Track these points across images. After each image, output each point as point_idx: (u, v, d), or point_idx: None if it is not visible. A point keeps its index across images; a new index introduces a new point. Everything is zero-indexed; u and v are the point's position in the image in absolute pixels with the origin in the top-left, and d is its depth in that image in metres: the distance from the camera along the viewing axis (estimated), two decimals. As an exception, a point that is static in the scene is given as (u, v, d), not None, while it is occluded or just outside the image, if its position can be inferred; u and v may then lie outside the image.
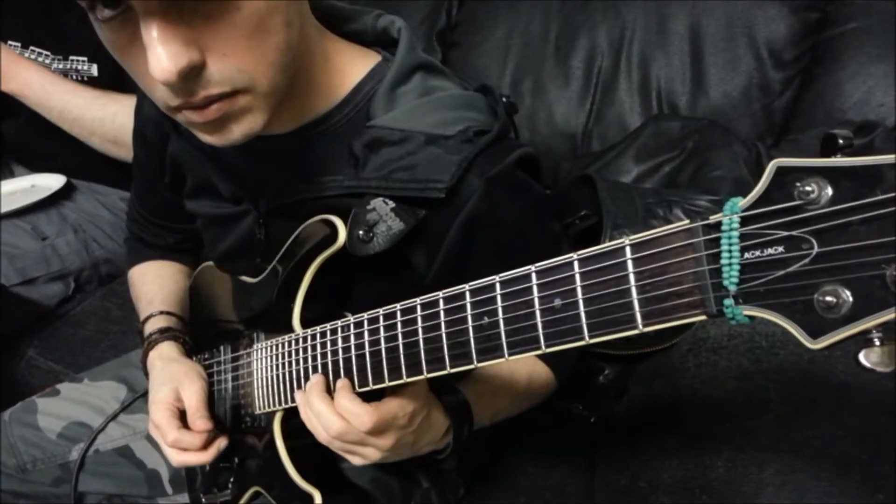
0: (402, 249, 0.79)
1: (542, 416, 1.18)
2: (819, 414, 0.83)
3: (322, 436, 0.69)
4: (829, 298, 0.36)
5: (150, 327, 0.99)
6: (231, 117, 0.65)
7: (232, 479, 0.92)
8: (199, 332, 1.03)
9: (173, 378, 0.89)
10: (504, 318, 0.52)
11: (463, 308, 0.55)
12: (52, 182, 1.56)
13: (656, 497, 0.85)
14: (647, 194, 1.10)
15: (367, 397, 0.67)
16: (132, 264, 1.12)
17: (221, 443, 0.86)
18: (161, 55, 0.56)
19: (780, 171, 0.38)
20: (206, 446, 0.85)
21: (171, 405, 0.85)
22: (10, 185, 1.59)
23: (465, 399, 0.76)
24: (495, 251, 0.76)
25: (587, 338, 0.46)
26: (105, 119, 1.38)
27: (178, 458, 0.84)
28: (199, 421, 0.84)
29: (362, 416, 0.65)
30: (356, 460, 0.71)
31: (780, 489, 0.75)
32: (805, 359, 0.90)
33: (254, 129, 0.67)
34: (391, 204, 0.75)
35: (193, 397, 0.85)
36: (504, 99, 0.84)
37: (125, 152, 1.38)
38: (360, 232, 0.75)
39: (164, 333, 0.97)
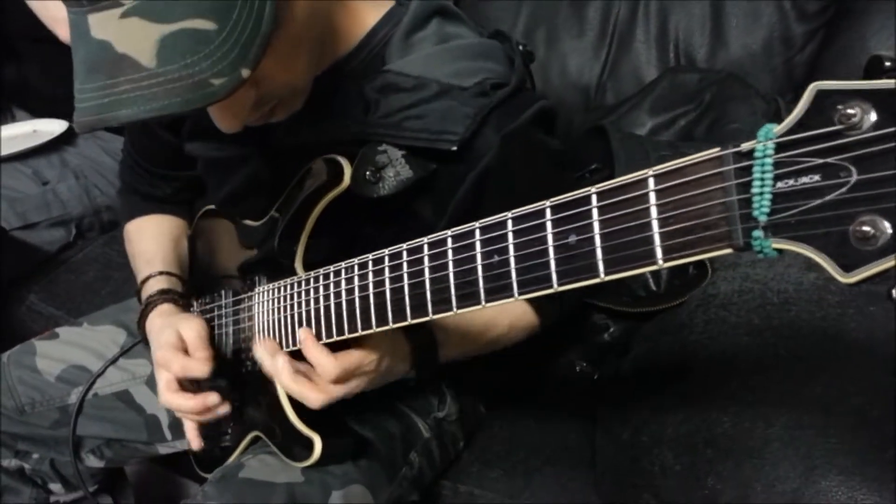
0: (410, 200, 0.77)
1: (544, 372, 1.17)
2: (830, 371, 0.80)
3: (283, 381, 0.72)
4: (865, 229, 0.34)
5: (150, 288, 0.97)
6: (274, 112, 0.73)
7: (232, 424, 0.91)
8: (199, 276, 1.02)
9: (173, 323, 0.88)
10: (515, 256, 0.50)
11: (472, 246, 0.53)
12: (53, 127, 1.54)
13: (659, 451, 0.83)
14: (661, 146, 1.07)
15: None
16: (128, 218, 1.09)
17: (221, 409, 0.84)
18: (225, 122, 0.68)
19: (820, 94, 0.35)
20: (204, 411, 0.83)
21: (175, 343, 0.84)
22: (10, 129, 1.57)
23: (431, 335, 0.76)
24: (508, 209, 0.74)
25: (602, 275, 0.44)
26: None
27: (177, 401, 0.83)
28: (200, 351, 0.83)
29: (326, 366, 0.67)
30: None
31: (788, 445, 0.73)
32: (817, 316, 0.88)
33: (295, 110, 0.74)
34: (403, 150, 0.74)
35: (193, 332, 0.84)
36: (521, 47, 0.82)
37: None
38: (367, 172, 0.73)
39: (165, 295, 0.96)
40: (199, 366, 0.81)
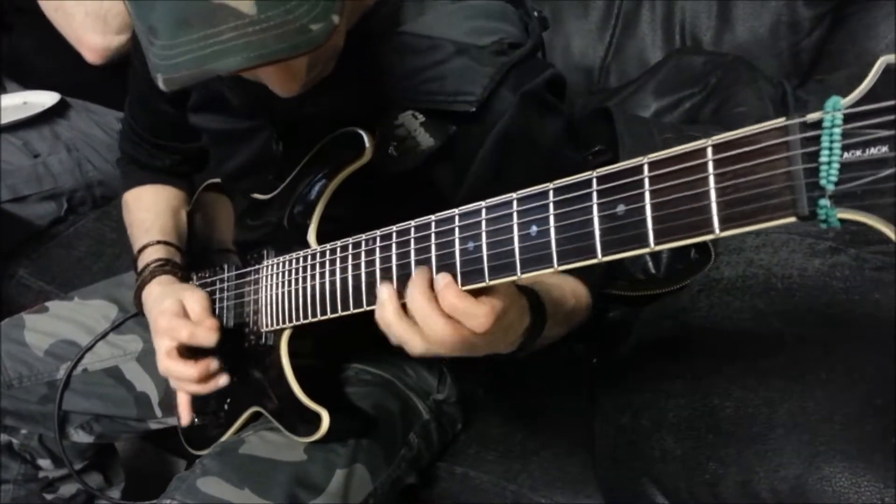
0: (429, 168, 0.75)
1: (542, 356, 1.16)
2: (834, 358, 0.79)
3: (417, 345, 0.57)
4: None
5: (147, 257, 0.96)
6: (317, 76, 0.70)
7: (228, 401, 0.89)
8: (198, 250, 1.00)
9: (174, 292, 0.86)
10: (556, 227, 0.49)
11: (509, 217, 0.52)
12: (45, 99, 1.51)
13: (660, 435, 0.82)
14: (666, 129, 1.05)
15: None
16: (127, 188, 1.07)
17: (221, 380, 0.82)
18: (287, 84, 0.66)
19: (889, 68, 0.36)
20: (206, 378, 0.81)
21: (178, 310, 0.82)
22: (1, 101, 1.54)
23: (542, 300, 0.67)
24: (530, 170, 0.72)
25: (652, 244, 0.44)
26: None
27: (177, 368, 0.80)
28: (208, 320, 0.81)
29: (480, 317, 0.54)
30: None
31: (791, 431, 0.73)
32: (822, 302, 0.87)
33: (327, 73, 0.71)
34: (420, 118, 0.73)
35: (197, 303, 0.83)
36: (536, 13, 0.80)
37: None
38: (391, 148, 0.72)
39: (163, 266, 0.94)
40: (208, 334, 0.80)
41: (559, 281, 0.75)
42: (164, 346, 0.81)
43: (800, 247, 0.94)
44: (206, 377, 0.81)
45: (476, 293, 0.55)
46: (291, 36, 0.55)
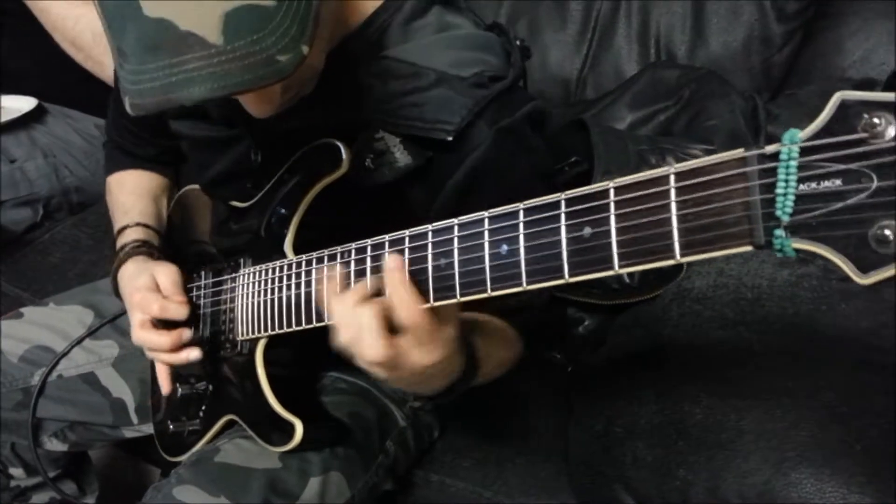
0: (403, 187, 0.77)
1: (518, 364, 1.17)
2: (802, 366, 0.81)
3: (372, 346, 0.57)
4: (886, 233, 0.36)
5: (126, 238, 0.96)
6: (294, 96, 0.71)
7: (203, 408, 0.89)
8: (176, 257, 1.00)
9: (148, 268, 0.88)
10: (525, 247, 0.50)
11: (480, 235, 0.53)
12: (22, 104, 1.50)
13: (632, 442, 0.83)
14: (641, 141, 1.07)
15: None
16: (110, 171, 1.08)
17: (193, 353, 0.83)
18: (262, 107, 0.68)
19: (844, 104, 0.37)
20: (178, 348, 0.82)
21: (151, 284, 0.85)
22: (-23, 105, 1.52)
23: (475, 351, 0.70)
24: (497, 203, 0.74)
25: (616, 267, 0.45)
26: (68, 18, 1.34)
27: (150, 338, 0.82)
28: (177, 295, 0.84)
29: (412, 305, 0.56)
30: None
31: (759, 437, 0.74)
32: (790, 312, 0.89)
33: (307, 92, 0.72)
34: (399, 136, 0.74)
35: (167, 278, 0.85)
36: (518, 42, 0.82)
37: (83, 57, 1.37)
38: (367, 160, 0.72)
39: (140, 247, 0.95)
40: (177, 307, 0.83)
41: (494, 331, 0.77)
42: (136, 320, 0.84)
43: (769, 258, 0.96)
44: (179, 346, 0.82)
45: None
46: (258, 67, 0.56)
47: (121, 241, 0.96)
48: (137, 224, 0.97)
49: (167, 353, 0.83)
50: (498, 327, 0.78)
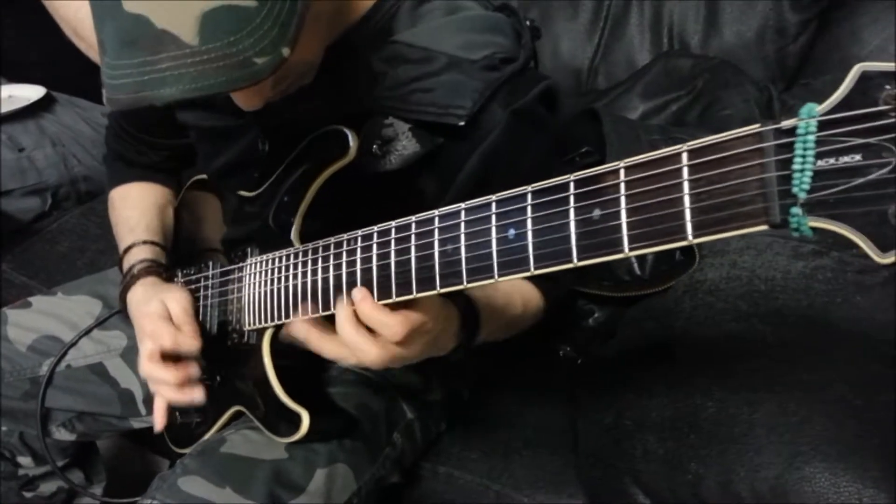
0: (414, 175, 0.76)
1: (527, 356, 1.17)
2: (815, 359, 0.80)
3: (346, 356, 0.63)
4: None
5: (133, 257, 0.95)
6: (289, 87, 0.70)
7: (211, 399, 0.89)
8: (183, 247, 0.99)
9: (158, 293, 0.86)
10: (533, 230, 0.49)
11: (487, 220, 0.52)
12: (30, 93, 1.50)
13: (642, 435, 0.82)
14: (653, 131, 1.06)
15: None
16: (113, 185, 1.06)
17: (198, 394, 0.81)
18: (249, 101, 0.67)
19: (865, 76, 0.36)
20: (185, 384, 0.80)
21: (163, 313, 0.82)
22: (-14, 94, 1.53)
23: (476, 308, 0.70)
24: (515, 187, 0.73)
25: (626, 250, 0.44)
26: (70, 7, 1.33)
27: (158, 372, 0.79)
28: (187, 325, 0.81)
29: (394, 326, 0.58)
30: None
31: (772, 431, 0.73)
32: (804, 304, 0.88)
33: (306, 83, 0.71)
34: (409, 123, 0.73)
35: (178, 306, 0.83)
36: (528, 23, 0.81)
37: (85, 46, 1.33)
38: (374, 146, 0.72)
39: (148, 267, 0.93)
40: (190, 342, 0.80)
41: (509, 288, 0.76)
42: (146, 349, 0.81)
43: (783, 249, 0.95)
44: (185, 383, 0.80)
45: (398, 306, 0.59)
46: (232, 69, 0.55)
47: (128, 261, 0.94)
48: (144, 242, 0.96)
49: (172, 388, 0.80)
50: (518, 290, 0.78)
